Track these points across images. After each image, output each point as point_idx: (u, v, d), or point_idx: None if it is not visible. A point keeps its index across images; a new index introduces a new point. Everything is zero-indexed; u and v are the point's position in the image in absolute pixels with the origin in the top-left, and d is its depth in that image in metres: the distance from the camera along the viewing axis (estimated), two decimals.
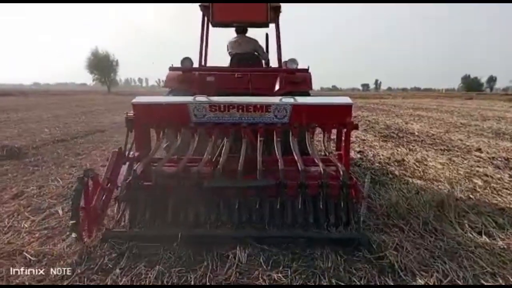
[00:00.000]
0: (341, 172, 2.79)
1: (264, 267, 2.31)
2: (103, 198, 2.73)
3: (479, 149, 6.68)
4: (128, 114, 3.16)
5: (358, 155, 6.19)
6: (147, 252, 2.47)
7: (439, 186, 4.13)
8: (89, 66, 68.38)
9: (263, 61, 5.70)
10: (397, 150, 6.64)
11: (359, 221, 2.63)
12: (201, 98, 3.17)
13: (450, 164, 5.40)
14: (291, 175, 2.78)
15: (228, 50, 5.68)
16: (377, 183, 4.22)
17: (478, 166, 5.26)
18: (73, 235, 2.39)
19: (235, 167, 2.84)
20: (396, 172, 4.89)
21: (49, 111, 15.63)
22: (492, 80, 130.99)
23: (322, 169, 2.77)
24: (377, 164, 5.46)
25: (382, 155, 6.13)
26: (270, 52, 5.79)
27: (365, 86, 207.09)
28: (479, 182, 4.32)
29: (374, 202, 3.47)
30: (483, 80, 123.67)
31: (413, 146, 7.18)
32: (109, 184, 2.81)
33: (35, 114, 13.66)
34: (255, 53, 5.54)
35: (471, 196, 3.77)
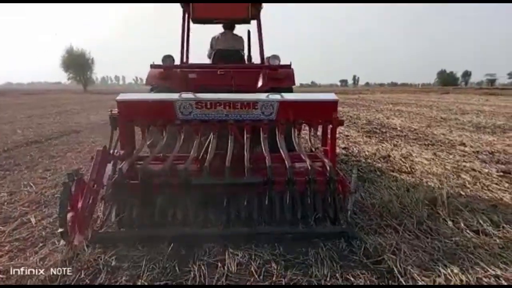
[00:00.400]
0: (328, 168, 2.84)
1: (256, 276, 2.15)
2: (90, 199, 2.63)
3: (463, 144, 6.69)
4: (112, 112, 3.07)
5: (344, 152, 6.10)
6: (128, 264, 2.27)
7: (429, 183, 4.05)
8: (64, 64, 66.32)
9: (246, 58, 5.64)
10: (382, 146, 6.58)
11: (347, 215, 2.64)
12: (187, 95, 3.11)
13: (436, 159, 5.36)
14: (278, 171, 2.80)
15: (212, 45, 5.63)
16: (365, 181, 4.12)
17: (464, 161, 5.22)
18: (60, 229, 2.27)
19: (222, 164, 2.83)
20: (383, 169, 4.80)
21: (22, 111, 15.06)
22: (467, 74, 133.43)
23: (309, 165, 2.81)
24: (363, 161, 5.37)
25: (368, 151, 6.05)
26: (252, 48, 5.71)
27: (344, 81, 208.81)
28: (468, 178, 4.26)
29: (365, 202, 3.34)
30: (459, 74, 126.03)
31: (397, 141, 7.15)
32: (95, 185, 2.71)
33: (7, 115, 13.15)
34: (240, 50, 5.48)
35: (462, 192, 3.69)
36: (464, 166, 4.88)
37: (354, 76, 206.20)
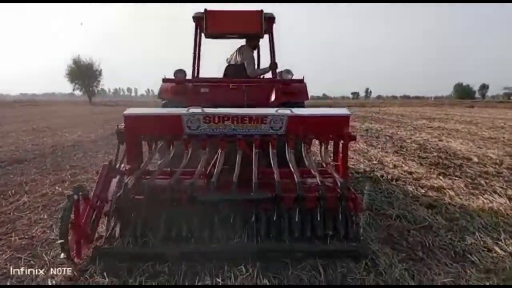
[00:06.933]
0: (339, 184, 2.75)
1: None
2: (93, 215, 2.60)
3: None
4: (119, 126, 3.05)
5: (444, 222, 3.29)
6: None
7: None
8: (70, 75, 64.00)
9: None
10: (488, 199, 3.89)
11: (359, 233, 2.63)
12: (195, 110, 3.07)
13: None
14: (287, 187, 2.70)
15: (231, 57, 5.70)
16: None
17: None
18: (62, 255, 2.27)
19: (229, 179, 2.75)
20: None
21: None
22: (484, 87, 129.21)
23: (319, 181, 2.73)
24: (500, 253, 2.66)
25: (483, 220, 3.34)
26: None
27: (355, 94, 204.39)
28: None
29: None
30: (475, 88, 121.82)
31: (502, 187, 4.42)
32: (98, 202, 2.67)
33: None
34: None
35: None
36: None
37: (367, 89, 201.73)
